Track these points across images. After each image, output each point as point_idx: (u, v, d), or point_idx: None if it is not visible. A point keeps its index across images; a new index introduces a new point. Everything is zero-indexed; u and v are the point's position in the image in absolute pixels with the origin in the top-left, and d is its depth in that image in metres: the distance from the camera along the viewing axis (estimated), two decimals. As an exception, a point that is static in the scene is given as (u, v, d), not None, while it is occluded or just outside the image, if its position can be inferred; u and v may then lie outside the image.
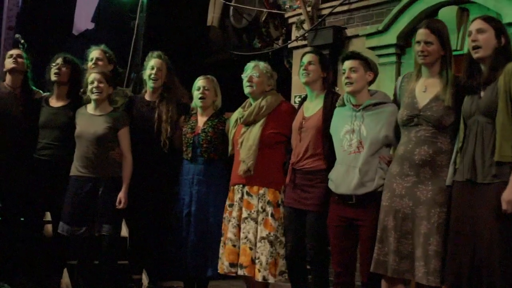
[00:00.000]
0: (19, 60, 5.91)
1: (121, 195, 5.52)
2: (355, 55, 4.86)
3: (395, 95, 4.74)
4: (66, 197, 5.56)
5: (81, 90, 5.85)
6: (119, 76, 6.65)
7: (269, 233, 5.15)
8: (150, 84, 5.97)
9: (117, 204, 5.49)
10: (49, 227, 6.23)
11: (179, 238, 5.66)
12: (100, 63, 6.07)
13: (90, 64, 6.07)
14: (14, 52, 5.97)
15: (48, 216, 6.10)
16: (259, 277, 5.09)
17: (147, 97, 6.03)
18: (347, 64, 4.80)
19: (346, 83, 4.78)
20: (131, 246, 6.01)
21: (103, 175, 5.54)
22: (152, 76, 5.93)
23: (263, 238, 5.15)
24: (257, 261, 5.14)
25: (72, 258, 5.79)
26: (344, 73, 4.80)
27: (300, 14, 7.54)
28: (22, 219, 5.90)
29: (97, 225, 5.47)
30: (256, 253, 5.15)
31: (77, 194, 5.54)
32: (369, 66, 4.81)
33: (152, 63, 5.97)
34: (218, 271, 5.40)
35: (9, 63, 5.91)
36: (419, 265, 4.28)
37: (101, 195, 5.50)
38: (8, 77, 5.97)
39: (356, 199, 4.64)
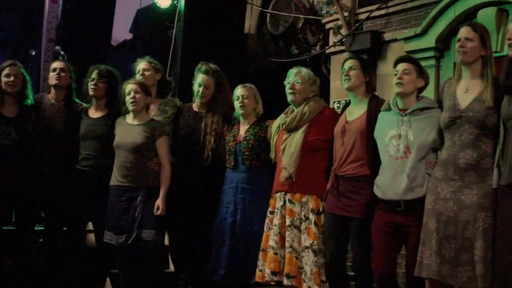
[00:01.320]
0: (62, 75, 5.94)
1: (159, 201, 5.51)
2: (410, 59, 4.83)
3: (438, 100, 4.69)
4: (108, 206, 5.61)
5: (120, 100, 5.89)
6: (169, 85, 6.67)
7: (313, 242, 5.12)
8: (198, 99, 5.99)
9: (155, 211, 5.50)
10: (91, 236, 6.28)
11: (223, 247, 5.65)
12: (146, 73, 6.08)
13: (137, 76, 6.08)
14: (57, 66, 6.00)
15: (90, 226, 6.15)
16: (304, 288, 5.08)
17: (195, 107, 6.04)
18: (401, 66, 4.75)
19: (396, 84, 4.72)
20: (174, 255, 6.04)
21: (141, 184, 5.56)
22: (199, 94, 5.94)
23: (306, 247, 5.13)
24: (301, 271, 5.11)
25: (114, 267, 5.82)
26: (396, 74, 4.76)
27: (337, 19, 7.51)
28: (65, 229, 5.94)
29: (137, 232, 5.48)
30: (301, 262, 5.14)
31: (117, 203, 5.57)
32: (422, 73, 4.77)
33: (199, 80, 5.96)
34: (256, 279, 5.39)
35: (52, 79, 5.96)
36: (463, 270, 4.23)
37: (140, 203, 5.52)
38: (52, 91, 6.02)
39: (405, 205, 4.60)
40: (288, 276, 5.14)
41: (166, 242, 6.17)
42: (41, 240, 6.15)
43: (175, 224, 5.81)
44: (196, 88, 5.99)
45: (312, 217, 5.17)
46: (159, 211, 5.49)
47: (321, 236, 5.16)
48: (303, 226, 5.19)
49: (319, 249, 5.13)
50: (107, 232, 5.58)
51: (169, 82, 6.72)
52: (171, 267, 6.40)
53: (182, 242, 5.88)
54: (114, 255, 5.68)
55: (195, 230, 5.79)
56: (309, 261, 5.10)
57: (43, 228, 6.07)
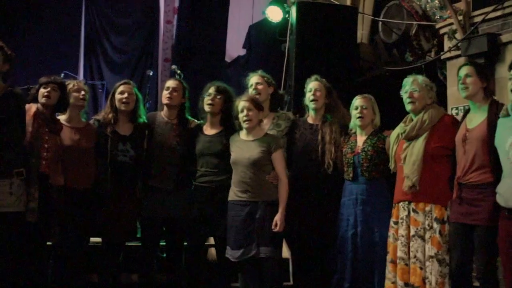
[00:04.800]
0: (174, 94, 6.04)
1: (278, 217, 5.52)
2: None
3: None
4: (227, 222, 5.67)
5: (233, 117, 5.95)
6: (282, 98, 6.71)
7: (437, 252, 5.01)
8: (311, 107, 6.01)
9: (273, 227, 5.52)
10: (212, 251, 6.36)
11: (347, 260, 5.62)
12: (259, 87, 6.14)
13: (250, 90, 6.15)
14: (170, 85, 6.10)
15: (211, 241, 6.23)
16: (429, 298, 4.98)
17: (309, 120, 6.06)
18: None
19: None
20: (295, 269, 6.04)
21: (260, 199, 5.58)
22: (311, 98, 5.97)
23: (431, 257, 5.03)
24: (426, 281, 5.02)
25: (236, 281, 5.88)
26: (511, 79, 4.62)
27: (452, 23, 7.34)
28: (185, 244, 6.05)
29: (256, 248, 5.51)
30: (425, 272, 5.05)
31: (235, 218, 5.62)
32: None
33: (310, 86, 6.02)
34: None
35: (164, 97, 6.08)
36: None
37: (259, 218, 5.53)
38: (165, 109, 6.15)
39: None
40: (413, 287, 5.07)
41: (285, 255, 6.18)
42: (164, 255, 6.29)
43: (296, 237, 5.81)
44: (307, 95, 6.03)
45: (436, 226, 5.07)
46: (278, 228, 5.50)
47: (446, 245, 5.05)
48: (427, 236, 5.10)
49: (443, 259, 5.03)
50: (228, 247, 5.64)
51: (282, 96, 6.74)
52: (291, 280, 6.40)
53: (303, 255, 5.88)
54: (234, 269, 5.74)
55: (317, 243, 5.77)
56: (434, 270, 5.00)
57: (165, 243, 6.20)
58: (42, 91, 5.61)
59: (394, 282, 5.25)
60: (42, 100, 5.59)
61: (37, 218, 5.32)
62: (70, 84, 5.87)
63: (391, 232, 5.34)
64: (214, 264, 6.18)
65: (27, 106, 5.54)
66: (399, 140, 5.39)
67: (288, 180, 5.67)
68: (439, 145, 5.16)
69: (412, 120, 5.33)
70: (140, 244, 6.09)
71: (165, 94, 6.09)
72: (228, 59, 12.17)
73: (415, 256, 5.09)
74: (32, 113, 5.52)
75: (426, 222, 5.11)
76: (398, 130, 5.44)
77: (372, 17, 9.02)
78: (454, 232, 5.00)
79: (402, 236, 5.21)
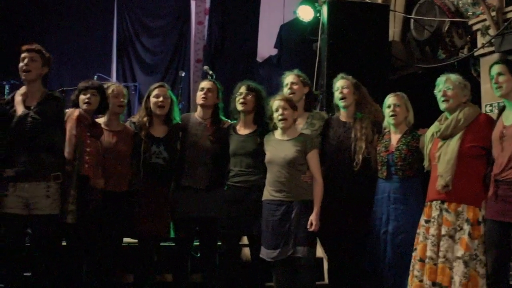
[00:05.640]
0: (209, 95, 6.07)
1: (313, 217, 5.52)
2: None
3: None
4: (262, 221, 5.68)
5: (266, 116, 5.96)
6: (316, 98, 6.71)
7: (464, 253, 4.97)
8: (340, 105, 6.00)
9: (308, 227, 5.52)
10: (246, 250, 6.38)
11: (377, 257, 5.62)
12: (295, 87, 6.13)
13: (285, 89, 6.14)
14: (205, 85, 6.13)
15: (244, 240, 6.25)
16: (453, 298, 4.96)
17: (342, 118, 6.05)
18: None
19: None
20: (330, 267, 6.04)
21: (295, 199, 5.58)
22: (339, 96, 5.96)
23: (458, 257, 4.99)
24: (452, 280, 4.99)
25: (270, 281, 5.88)
26: None
27: (485, 20, 7.28)
28: (219, 243, 6.07)
29: (291, 248, 5.51)
30: (452, 272, 5.02)
31: (270, 218, 5.62)
32: None
33: (337, 84, 6.01)
34: None
35: (199, 98, 6.12)
36: None
37: (294, 218, 5.54)
38: (199, 109, 6.18)
39: None
40: (441, 286, 5.04)
41: (319, 254, 6.18)
42: (198, 255, 6.32)
43: (330, 236, 5.81)
44: (335, 94, 6.02)
45: (466, 227, 5.03)
46: (313, 227, 5.49)
47: (480, 246, 5.00)
48: (457, 236, 5.06)
49: (476, 259, 4.98)
50: (262, 247, 5.65)
51: (316, 96, 6.73)
52: (326, 279, 6.40)
53: (338, 254, 5.87)
54: (269, 269, 5.75)
55: (350, 241, 5.76)
56: (459, 271, 4.96)
57: (199, 243, 6.23)
58: (82, 97, 5.68)
59: (421, 281, 5.21)
60: (83, 106, 5.66)
61: (76, 220, 5.38)
62: (110, 89, 5.94)
63: (421, 230, 5.30)
64: (248, 264, 6.19)
65: (69, 110, 5.64)
66: (434, 138, 5.36)
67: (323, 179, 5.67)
68: (474, 145, 5.12)
69: (447, 118, 5.29)
70: (174, 244, 6.12)
71: (199, 94, 6.13)
72: (259, 59, 12.20)
73: (444, 256, 5.05)
74: (75, 118, 5.59)
75: (457, 223, 5.07)
76: (433, 128, 5.40)
77: (404, 15, 8.97)
78: (490, 230, 4.96)
79: (433, 235, 5.17)
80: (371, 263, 5.67)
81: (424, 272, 5.19)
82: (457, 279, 4.96)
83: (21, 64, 5.31)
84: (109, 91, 5.90)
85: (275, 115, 5.70)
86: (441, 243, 5.10)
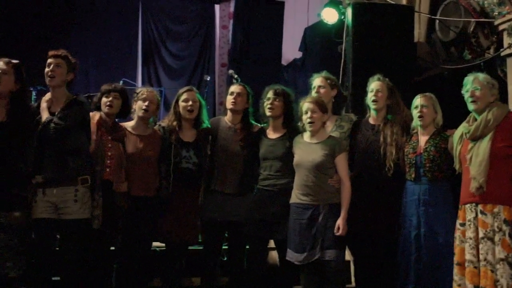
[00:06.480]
0: (238, 99, 6.06)
1: (340, 221, 5.51)
2: None
3: None
4: (289, 225, 5.68)
5: (295, 119, 5.96)
6: (345, 100, 6.69)
7: (508, 254, 4.93)
8: (372, 107, 5.98)
9: (335, 230, 5.51)
10: (273, 254, 6.38)
11: (410, 261, 5.58)
12: (322, 90, 6.14)
13: (313, 92, 6.13)
14: (235, 90, 6.12)
15: (271, 244, 6.24)
16: (500, 300, 4.90)
17: (371, 120, 6.03)
18: None
19: None
20: (358, 271, 6.02)
21: (323, 202, 5.59)
22: (372, 98, 5.94)
23: (501, 259, 4.95)
24: (497, 283, 4.94)
25: (298, 284, 5.87)
26: None
27: (511, 19, 7.23)
28: (247, 247, 6.08)
29: (318, 251, 5.51)
30: (496, 275, 4.97)
31: (297, 221, 5.62)
32: None
33: (372, 86, 5.98)
34: None
35: (229, 103, 6.10)
36: None
37: (321, 221, 5.54)
38: (228, 114, 6.16)
39: None
40: None
41: (346, 257, 6.16)
42: (225, 259, 6.33)
43: (358, 240, 5.78)
44: (369, 95, 5.99)
45: (505, 228, 4.99)
46: (340, 231, 5.49)
47: None
48: (496, 238, 5.01)
49: None
50: (289, 250, 5.65)
51: (345, 98, 6.70)
52: (353, 282, 6.38)
53: (366, 257, 5.85)
54: (297, 272, 5.74)
55: (379, 244, 5.73)
56: (505, 274, 4.92)
57: (227, 247, 6.23)
58: (105, 100, 5.73)
59: (460, 285, 5.17)
60: (105, 109, 5.71)
61: (100, 225, 5.42)
62: (140, 92, 5.98)
63: (457, 234, 5.26)
64: (275, 267, 6.19)
65: (91, 114, 5.67)
66: (463, 140, 5.32)
67: (350, 182, 5.66)
68: (505, 145, 5.08)
69: (476, 119, 5.26)
70: (201, 248, 6.13)
71: (229, 99, 6.11)
72: (284, 62, 12.20)
73: (485, 259, 5.01)
74: (96, 121, 5.63)
75: (495, 224, 5.02)
76: (461, 129, 5.36)
77: (429, 16, 8.92)
78: None
79: (470, 238, 5.13)
80: (402, 266, 5.63)
81: (463, 276, 5.16)
82: (503, 282, 4.91)
83: (46, 70, 5.36)
84: (139, 94, 5.94)
85: (304, 117, 5.69)
86: (480, 246, 5.05)
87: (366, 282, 5.92)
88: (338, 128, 6.08)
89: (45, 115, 5.28)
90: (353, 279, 6.40)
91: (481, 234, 5.06)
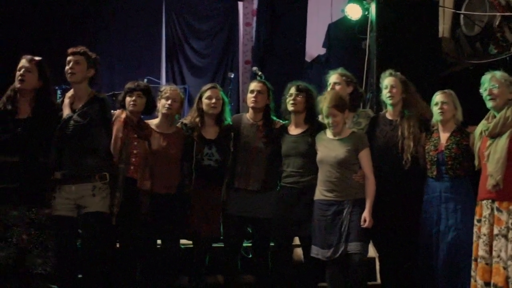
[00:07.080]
0: (259, 97, 6.04)
1: (366, 214, 5.51)
2: None
3: None
4: (313, 221, 5.68)
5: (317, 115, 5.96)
6: (361, 97, 6.66)
7: None
8: (388, 102, 5.96)
9: (361, 223, 5.50)
10: (298, 251, 6.37)
11: (429, 257, 5.56)
12: (337, 87, 6.13)
13: (329, 89, 6.13)
14: (255, 87, 6.10)
15: (295, 241, 6.23)
16: (514, 298, 4.86)
17: (388, 116, 6.01)
18: None
19: None
20: (382, 267, 6.00)
21: (347, 198, 5.59)
22: (387, 94, 5.91)
23: None
24: (509, 280, 4.92)
25: (323, 281, 5.87)
26: None
27: (538, 13, 7.17)
28: (271, 244, 6.07)
29: (344, 246, 5.50)
30: (507, 272, 4.93)
31: (322, 217, 5.62)
32: None
33: (385, 82, 5.95)
34: None
35: (249, 101, 6.10)
36: None
37: (346, 217, 5.54)
38: (250, 111, 6.16)
39: None
40: (496, 287, 4.98)
41: (371, 254, 6.14)
42: (250, 256, 6.32)
43: (381, 235, 5.77)
44: (384, 91, 5.98)
45: (519, 226, 4.96)
46: (366, 223, 5.48)
47: None
48: (510, 235, 4.99)
49: None
50: (314, 246, 5.65)
51: (362, 94, 6.66)
52: (378, 279, 6.36)
53: (391, 254, 5.83)
54: (322, 268, 5.74)
55: (402, 240, 5.71)
56: None
57: (251, 244, 6.25)
58: (128, 99, 5.75)
59: (476, 281, 5.17)
60: (129, 108, 5.74)
61: (116, 222, 5.43)
62: (163, 90, 6.00)
63: (474, 229, 5.25)
64: (300, 264, 6.18)
65: (117, 112, 5.72)
66: (482, 137, 5.29)
67: None
68: (524, 143, 5.06)
69: (495, 117, 5.23)
70: (223, 245, 6.14)
71: (250, 97, 6.11)
72: (308, 58, 12.16)
73: (498, 256, 4.99)
74: (123, 120, 5.65)
75: (510, 221, 5.01)
76: (481, 127, 5.35)
77: (454, 11, 8.86)
78: None
79: (484, 234, 5.12)
80: (424, 263, 5.61)
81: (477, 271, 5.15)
82: None
83: (66, 67, 5.38)
84: (163, 92, 5.96)
85: (326, 121, 5.69)
86: (494, 242, 5.04)
87: (391, 279, 5.90)
88: (355, 125, 6.07)
89: (66, 112, 5.30)
90: (378, 276, 6.38)
91: (495, 231, 5.05)
